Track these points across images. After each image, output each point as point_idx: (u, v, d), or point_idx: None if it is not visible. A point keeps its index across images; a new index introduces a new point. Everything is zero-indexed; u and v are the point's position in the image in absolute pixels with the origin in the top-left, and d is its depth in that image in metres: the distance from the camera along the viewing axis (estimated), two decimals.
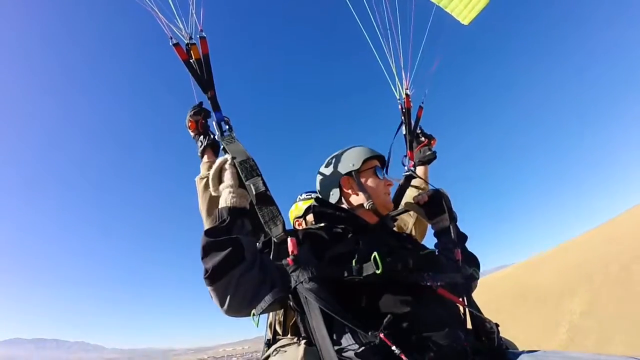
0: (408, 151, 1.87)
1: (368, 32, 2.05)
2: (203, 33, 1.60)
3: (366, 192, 1.51)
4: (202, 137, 1.79)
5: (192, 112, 1.57)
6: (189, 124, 1.59)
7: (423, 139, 1.94)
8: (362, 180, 1.54)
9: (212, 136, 1.79)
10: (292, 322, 1.44)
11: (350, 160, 1.56)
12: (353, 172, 1.54)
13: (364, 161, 1.53)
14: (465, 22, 2.89)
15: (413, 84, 2.04)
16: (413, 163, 1.85)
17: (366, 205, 1.49)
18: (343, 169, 1.57)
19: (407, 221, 1.95)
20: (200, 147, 1.68)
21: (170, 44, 1.58)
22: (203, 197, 1.65)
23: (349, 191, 1.56)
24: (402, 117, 1.97)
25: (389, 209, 1.56)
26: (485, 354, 1.14)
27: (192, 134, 1.64)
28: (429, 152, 1.84)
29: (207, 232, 1.10)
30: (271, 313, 1.46)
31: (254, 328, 1.09)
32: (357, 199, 1.54)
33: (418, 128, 1.96)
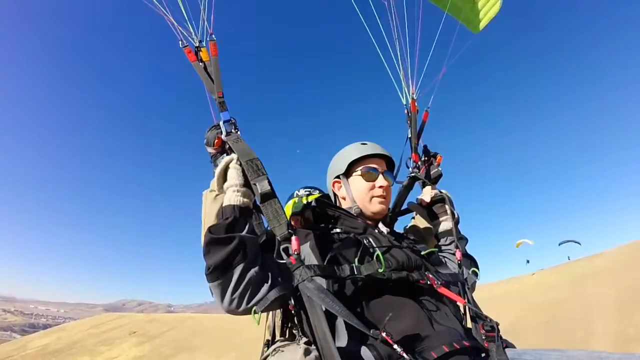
0: (413, 154, 1.88)
1: (375, 37, 2.07)
2: (213, 36, 1.64)
3: (351, 197, 1.53)
4: (224, 155, 1.56)
5: (220, 131, 1.45)
6: (216, 140, 1.43)
7: (426, 158, 1.89)
8: (350, 183, 1.56)
9: None
10: (291, 324, 1.41)
11: (339, 164, 1.59)
12: (340, 176, 1.58)
13: (352, 163, 1.54)
14: (475, 31, 2.87)
15: (420, 89, 2.03)
16: (417, 165, 1.84)
17: (353, 210, 1.51)
18: (333, 172, 1.62)
19: (423, 223, 1.92)
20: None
21: (181, 46, 1.63)
22: (210, 207, 1.52)
23: (339, 195, 1.61)
24: (408, 122, 1.97)
25: (378, 213, 1.52)
26: (486, 352, 1.13)
27: (213, 151, 1.47)
28: (435, 171, 1.83)
29: (211, 229, 1.11)
30: (271, 314, 1.44)
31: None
32: (345, 203, 1.59)
33: (423, 148, 1.94)
